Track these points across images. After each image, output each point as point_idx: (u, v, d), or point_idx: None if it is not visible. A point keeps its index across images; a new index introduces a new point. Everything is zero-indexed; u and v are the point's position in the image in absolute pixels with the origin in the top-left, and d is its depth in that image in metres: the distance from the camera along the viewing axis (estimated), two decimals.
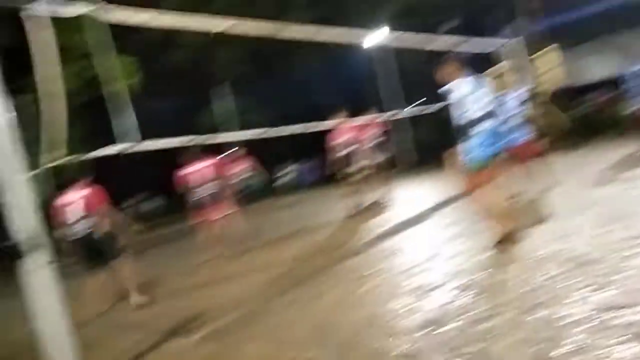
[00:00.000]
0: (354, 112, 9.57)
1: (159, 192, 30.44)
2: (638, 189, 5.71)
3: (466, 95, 4.40)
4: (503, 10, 14.75)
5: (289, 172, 23.32)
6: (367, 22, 19.59)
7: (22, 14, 3.99)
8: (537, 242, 4.47)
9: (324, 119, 9.01)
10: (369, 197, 9.24)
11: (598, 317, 2.72)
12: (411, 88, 24.71)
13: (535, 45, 13.80)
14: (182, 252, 9.58)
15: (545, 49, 13.22)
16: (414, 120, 21.62)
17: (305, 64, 26.29)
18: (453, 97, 4.46)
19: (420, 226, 6.71)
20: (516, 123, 6.66)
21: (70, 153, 5.47)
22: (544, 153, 7.19)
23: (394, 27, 19.39)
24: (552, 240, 4.42)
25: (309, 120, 9.57)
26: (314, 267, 5.62)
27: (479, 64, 14.88)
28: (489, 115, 4.39)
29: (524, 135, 6.77)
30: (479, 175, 4.42)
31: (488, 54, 13.63)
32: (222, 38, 18.95)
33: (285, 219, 11.06)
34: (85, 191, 5.65)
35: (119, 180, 27.91)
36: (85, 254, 5.64)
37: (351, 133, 8.77)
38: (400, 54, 21.26)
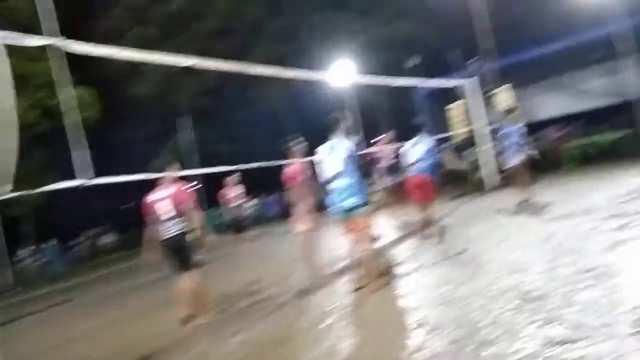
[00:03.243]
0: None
1: (115, 225, 29.57)
2: (585, 224, 5.94)
3: (325, 158, 5.20)
4: (464, 49, 15.40)
5: (252, 206, 23.15)
6: (332, 56, 20.08)
7: None
8: (489, 277, 4.57)
9: (286, 152, 8.98)
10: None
11: (549, 352, 2.79)
12: (373, 123, 25.21)
13: (491, 83, 14.40)
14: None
15: (500, 88, 13.81)
16: None
17: (271, 97, 26.57)
18: (317, 159, 5.33)
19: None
20: (429, 162, 7.07)
21: (23, 186, 5.27)
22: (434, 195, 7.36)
23: (359, 62, 20.00)
24: (504, 275, 4.53)
25: (274, 153, 9.50)
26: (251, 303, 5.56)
27: (444, 98, 15.57)
28: (340, 174, 5.04)
29: (433, 173, 7.11)
30: (347, 225, 5.17)
31: (452, 88, 14.12)
32: (187, 70, 19.06)
33: (243, 253, 10.96)
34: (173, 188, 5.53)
35: (75, 212, 27.25)
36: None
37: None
38: (365, 89, 21.77)
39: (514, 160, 8.76)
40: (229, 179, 10.74)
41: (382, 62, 22.78)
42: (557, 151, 14.30)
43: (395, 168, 10.47)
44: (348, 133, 5.32)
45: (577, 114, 16.71)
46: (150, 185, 5.71)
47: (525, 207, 8.14)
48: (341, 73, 16.42)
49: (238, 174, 10.68)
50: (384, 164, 10.37)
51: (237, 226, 10.71)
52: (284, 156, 6.79)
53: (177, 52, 7.19)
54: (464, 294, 4.26)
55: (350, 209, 5.07)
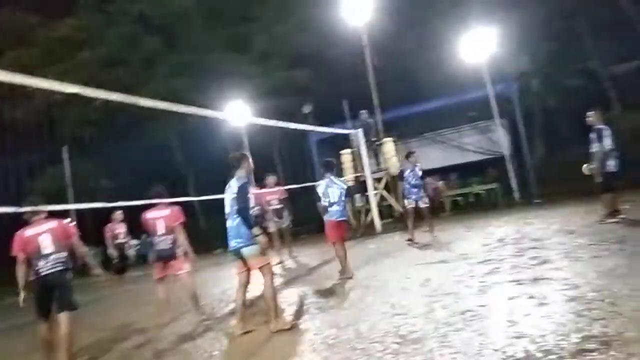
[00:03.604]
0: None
1: None
2: (459, 269, 6.35)
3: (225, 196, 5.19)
4: (354, 100, 16.18)
5: (136, 245, 21.77)
6: (228, 96, 20.04)
7: None
8: (372, 321, 4.66)
9: (174, 188, 8.65)
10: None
11: None
12: (267, 166, 25.30)
13: (377, 135, 15.23)
14: None
15: (383, 140, 14.66)
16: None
17: (163, 133, 25.71)
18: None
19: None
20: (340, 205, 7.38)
21: None
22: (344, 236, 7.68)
23: (255, 104, 20.15)
24: (386, 318, 4.64)
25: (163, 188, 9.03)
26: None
27: (336, 145, 16.11)
28: (229, 214, 5.06)
29: (341, 216, 7.42)
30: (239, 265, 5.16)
31: (344, 136, 14.66)
32: (71, 99, 17.88)
33: (123, 294, 10.22)
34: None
35: None
36: None
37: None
38: (259, 131, 21.89)
39: (412, 202, 9.78)
40: (114, 215, 10.13)
41: (277, 107, 23.19)
42: (435, 200, 15.34)
43: (281, 212, 10.53)
44: (248, 172, 5.27)
45: (453, 167, 18.19)
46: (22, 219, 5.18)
47: (408, 250, 8.53)
48: (237, 113, 16.43)
49: (121, 211, 10.11)
50: (270, 207, 10.43)
51: (118, 266, 10.05)
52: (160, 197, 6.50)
53: (61, 79, 6.68)
54: (348, 337, 4.29)
55: (237, 250, 4.99)
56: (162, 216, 6.25)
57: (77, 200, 18.46)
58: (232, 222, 5.00)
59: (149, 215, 6.31)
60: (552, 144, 19.97)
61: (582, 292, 4.25)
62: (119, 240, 10.62)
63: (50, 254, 4.93)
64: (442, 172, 17.53)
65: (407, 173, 9.91)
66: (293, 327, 4.88)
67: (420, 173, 9.81)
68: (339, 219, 7.39)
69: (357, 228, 14.41)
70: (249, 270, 5.09)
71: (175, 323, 6.28)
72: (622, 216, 7.81)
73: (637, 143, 16.39)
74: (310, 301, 6.13)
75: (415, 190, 9.76)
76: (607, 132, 7.92)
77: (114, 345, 5.75)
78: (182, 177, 24.78)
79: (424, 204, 9.81)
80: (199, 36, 24.60)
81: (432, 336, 3.85)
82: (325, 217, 7.40)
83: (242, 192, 4.95)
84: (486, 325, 3.87)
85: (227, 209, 5.07)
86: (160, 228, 6.19)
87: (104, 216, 11.11)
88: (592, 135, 8.08)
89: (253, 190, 9.20)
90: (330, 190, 7.36)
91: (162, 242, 6.16)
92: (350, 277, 7.13)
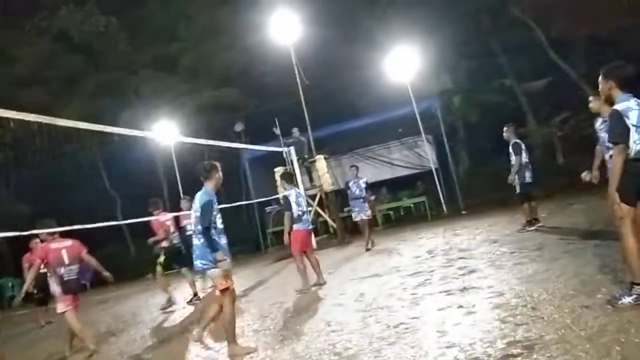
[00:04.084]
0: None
1: None
2: (392, 282, 6.48)
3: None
4: (285, 118, 16.22)
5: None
6: (157, 114, 19.51)
7: None
8: (308, 338, 4.64)
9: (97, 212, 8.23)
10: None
11: None
12: (197, 184, 24.72)
13: (308, 152, 15.34)
14: None
15: (315, 157, 14.79)
16: None
17: (86, 154, 24.54)
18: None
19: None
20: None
21: None
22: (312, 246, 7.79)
23: (185, 123, 19.73)
24: (322, 335, 4.64)
25: (89, 214, 8.62)
26: None
27: (269, 163, 16.02)
28: (194, 232, 4.82)
29: (310, 225, 7.60)
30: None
31: (277, 153, 14.61)
32: None
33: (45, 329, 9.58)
34: None
35: None
36: None
37: None
38: (191, 150, 21.41)
39: (361, 214, 10.47)
40: (32, 243, 9.46)
41: (208, 125, 22.84)
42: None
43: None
44: (217, 185, 4.97)
45: (384, 182, 18.63)
46: None
47: (343, 266, 8.60)
48: (165, 132, 16.02)
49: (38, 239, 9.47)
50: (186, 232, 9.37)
51: (40, 297, 9.35)
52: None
53: None
54: (284, 358, 4.24)
55: (201, 270, 4.86)
56: (66, 246, 6.16)
57: None
58: (197, 241, 4.71)
59: (53, 245, 6.15)
60: (476, 156, 21.02)
61: (507, 299, 4.45)
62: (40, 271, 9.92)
63: None
64: (372, 187, 17.86)
65: (351, 183, 10.62)
66: (249, 353, 4.64)
67: (363, 185, 10.49)
68: (309, 227, 7.65)
69: None
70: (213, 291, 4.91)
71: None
72: (540, 224, 8.31)
73: (550, 155, 17.60)
74: (246, 323, 6.01)
75: (358, 201, 10.45)
76: (522, 147, 8.48)
77: None
78: (109, 201, 23.76)
79: (365, 216, 10.45)
80: (123, 55, 23.84)
81: (367, 351, 3.89)
82: (297, 226, 7.36)
83: (206, 210, 4.63)
84: (418, 337, 3.96)
85: (192, 227, 4.83)
86: (66, 258, 6.08)
87: (23, 245, 10.37)
88: (510, 149, 8.62)
89: (162, 217, 8.85)
90: (301, 200, 7.51)
91: (69, 273, 6.04)
92: (307, 290, 7.25)
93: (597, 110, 5.74)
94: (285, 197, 7.53)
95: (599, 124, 5.71)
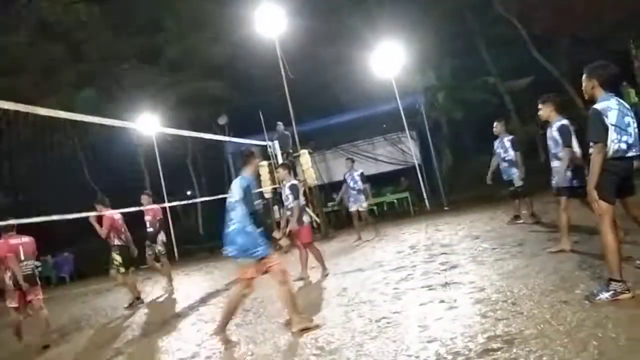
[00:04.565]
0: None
1: None
2: (375, 276, 6.51)
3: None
4: (269, 111, 16.13)
5: (40, 265, 20.16)
6: (139, 106, 19.26)
7: None
8: (286, 334, 4.63)
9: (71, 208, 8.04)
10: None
11: None
12: (180, 178, 24.61)
13: (293, 146, 15.29)
14: None
15: (299, 152, 14.73)
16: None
17: (67, 144, 24.19)
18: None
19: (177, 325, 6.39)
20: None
21: None
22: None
23: (168, 115, 19.54)
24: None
25: (68, 205, 8.37)
26: None
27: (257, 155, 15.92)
28: (231, 218, 4.71)
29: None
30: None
31: (262, 147, 14.52)
32: None
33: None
34: None
35: None
36: None
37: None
38: (174, 142, 21.23)
39: (351, 206, 10.95)
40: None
41: (191, 117, 22.67)
42: None
43: (154, 236, 9.30)
44: (254, 172, 4.96)
45: (368, 177, 18.65)
46: None
47: (326, 260, 8.58)
48: (148, 123, 15.82)
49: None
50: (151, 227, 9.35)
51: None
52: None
53: None
54: (265, 352, 4.23)
55: (234, 257, 4.69)
56: (23, 242, 6.46)
57: None
58: (231, 227, 4.62)
59: (12, 241, 6.36)
60: (458, 153, 21.20)
61: (487, 294, 4.50)
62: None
63: None
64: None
65: (346, 176, 11.02)
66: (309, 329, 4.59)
67: (357, 177, 10.82)
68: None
69: (276, 240, 14.29)
70: (240, 279, 4.78)
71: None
72: (521, 221, 8.41)
73: (533, 153, 17.80)
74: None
75: (353, 193, 10.84)
76: (514, 141, 8.49)
77: None
78: (89, 190, 23.45)
79: (361, 207, 10.85)
80: (106, 46, 23.47)
81: (349, 345, 3.90)
82: (304, 219, 7.41)
83: (249, 194, 4.56)
84: (400, 332, 3.98)
85: (229, 212, 4.69)
86: (23, 253, 6.37)
87: None
88: (497, 144, 8.60)
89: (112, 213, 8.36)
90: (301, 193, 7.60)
91: (24, 268, 6.31)
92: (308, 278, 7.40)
93: (546, 118, 5.85)
94: (295, 185, 7.46)
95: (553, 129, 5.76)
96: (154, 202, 9.78)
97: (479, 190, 15.16)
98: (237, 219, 4.60)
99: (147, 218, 9.32)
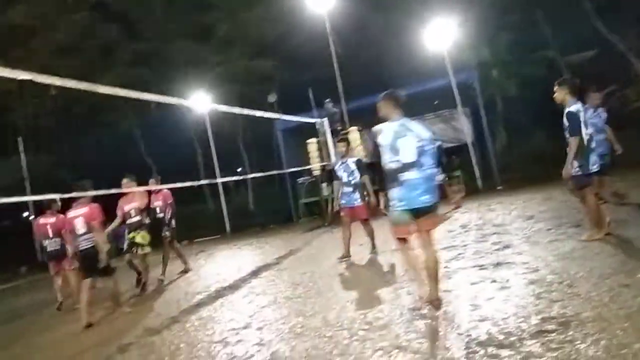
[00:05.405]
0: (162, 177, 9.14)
1: None
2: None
3: (387, 142, 4.25)
4: (320, 89, 16.10)
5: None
6: (192, 84, 19.69)
7: None
8: (337, 309, 4.69)
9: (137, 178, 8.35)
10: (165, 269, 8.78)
11: None
12: (231, 154, 25.04)
13: (342, 124, 15.22)
14: None
15: (348, 129, 14.64)
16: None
17: (124, 122, 25.17)
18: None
19: (230, 297, 6.59)
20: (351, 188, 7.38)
21: None
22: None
23: (219, 93, 19.88)
24: (350, 307, 4.70)
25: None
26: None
27: (302, 133, 16.06)
28: (412, 165, 4.13)
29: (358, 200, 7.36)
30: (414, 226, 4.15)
31: (310, 124, 14.56)
32: (26, 87, 17.13)
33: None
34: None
35: None
36: None
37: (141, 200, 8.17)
38: (224, 120, 21.62)
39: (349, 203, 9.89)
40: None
41: (242, 95, 22.96)
42: None
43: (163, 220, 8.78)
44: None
45: None
46: None
47: (376, 238, 8.57)
48: (200, 101, 16.16)
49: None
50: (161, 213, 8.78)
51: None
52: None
53: (13, 67, 6.29)
54: (315, 325, 4.30)
55: (428, 207, 4.04)
56: (81, 214, 6.28)
57: (35, 193, 17.83)
58: (420, 174, 4.01)
59: (71, 214, 6.41)
60: (513, 131, 20.46)
61: (542, 275, 4.38)
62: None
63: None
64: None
65: (337, 167, 9.97)
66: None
67: (353, 167, 9.60)
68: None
69: (325, 217, 14.43)
70: (424, 231, 4.10)
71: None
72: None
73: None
74: (278, 290, 6.13)
75: (348, 190, 9.56)
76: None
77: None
78: (145, 167, 24.33)
79: (357, 203, 9.62)
80: (159, 24, 24.02)
81: (398, 322, 3.91)
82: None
83: (432, 141, 4.19)
84: (450, 310, 3.95)
85: (407, 159, 4.03)
86: (80, 227, 6.25)
87: (63, 210, 10.70)
88: (591, 114, 6.96)
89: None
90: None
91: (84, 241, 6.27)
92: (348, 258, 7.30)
93: (560, 101, 5.53)
94: (361, 161, 7.54)
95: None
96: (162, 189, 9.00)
97: (533, 171, 14.67)
98: (428, 164, 4.07)
99: (157, 203, 8.74)
